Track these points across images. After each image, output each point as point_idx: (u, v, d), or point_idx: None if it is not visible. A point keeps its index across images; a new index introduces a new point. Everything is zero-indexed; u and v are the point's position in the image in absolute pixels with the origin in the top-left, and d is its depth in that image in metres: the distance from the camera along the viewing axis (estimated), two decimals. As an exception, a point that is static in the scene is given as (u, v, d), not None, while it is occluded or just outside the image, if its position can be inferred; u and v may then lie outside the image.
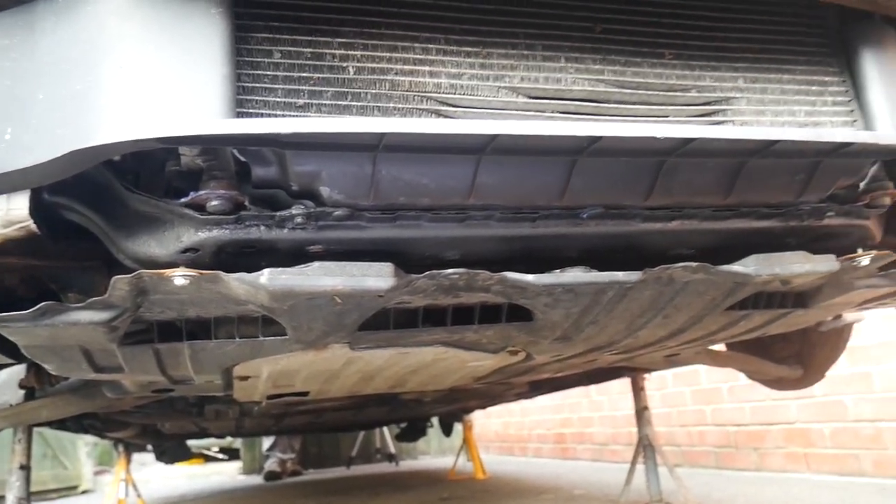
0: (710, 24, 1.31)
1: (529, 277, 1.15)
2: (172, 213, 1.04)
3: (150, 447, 5.50)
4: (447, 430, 6.39)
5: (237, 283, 1.04)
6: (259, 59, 1.06)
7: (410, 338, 1.36)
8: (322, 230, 1.07)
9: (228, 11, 1.03)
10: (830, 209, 1.29)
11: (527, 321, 1.34)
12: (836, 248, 1.37)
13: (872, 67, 1.35)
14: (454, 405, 4.06)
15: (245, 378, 1.69)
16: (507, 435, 7.96)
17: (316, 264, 1.05)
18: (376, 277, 1.06)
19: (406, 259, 1.15)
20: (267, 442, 7.01)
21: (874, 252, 1.34)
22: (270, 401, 2.25)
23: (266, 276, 1.03)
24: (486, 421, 8.30)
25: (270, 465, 6.83)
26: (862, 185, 1.32)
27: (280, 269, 1.04)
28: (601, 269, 1.21)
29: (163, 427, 3.74)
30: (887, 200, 1.32)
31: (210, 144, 0.97)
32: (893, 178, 1.36)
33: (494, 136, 0.96)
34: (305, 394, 2.11)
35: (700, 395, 4.86)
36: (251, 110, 1.03)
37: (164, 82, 0.96)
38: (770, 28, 1.34)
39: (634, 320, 1.44)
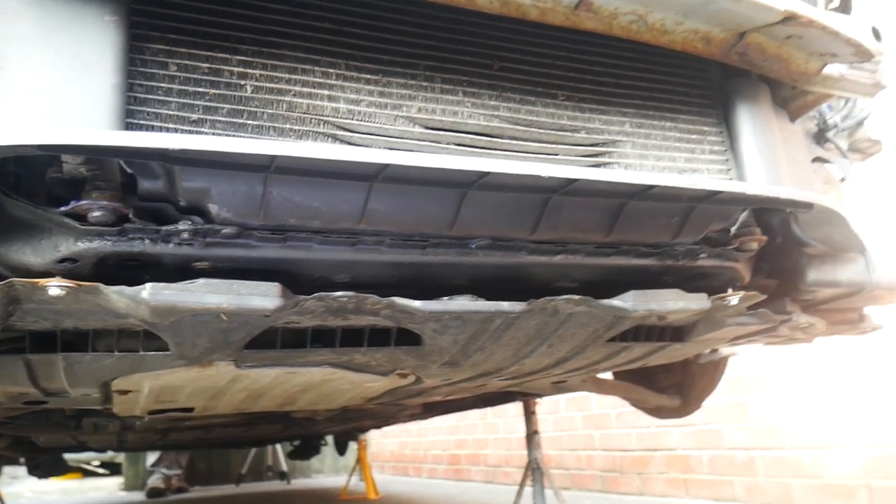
0: (602, 70, 1.38)
1: (417, 303, 1.17)
2: (51, 221, 1.00)
3: (22, 460, 5.18)
4: (342, 449, 6.32)
5: (117, 296, 1.01)
6: (153, 71, 1.05)
7: (298, 358, 1.35)
8: (209, 247, 1.06)
9: (124, 20, 1.02)
10: (703, 251, 1.37)
11: (415, 345, 1.36)
12: (708, 287, 1.46)
13: (747, 121, 1.45)
14: (348, 424, 4.02)
15: (125, 392, 1.63)
16: (402, 455, 7.94)
17: (201, 281, 1.03)
18: (262, 297, 1.06)
19: (295, 280, 1.16)
20: (152, 457, 6.73)
21: (742, 293, 1.44)
22: (153, 416, 2.18)
23: (148, 291, 1.00)
24: (383, 441, 8.25)
25: (154, 481, 6.55)
26: (732, 230, 1.41)
27: (163, 284, 1.02)
28: (489, 298, 1.24)
29: (37, 440, 3.53)
30: (755, 245, 1.41)
31: (94, 155, 0.95)
32: (761, 224, 1.46)
33: (386, 165, 0.98)
34: (190, 410, 2.05)
35: (590, 420, 5.00)
36: (142, 122, 1.01)
37: (50, 87, 0.93)
38: (657, 77, 1.43)
39: (521, 348, 1.49)
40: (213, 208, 1.01)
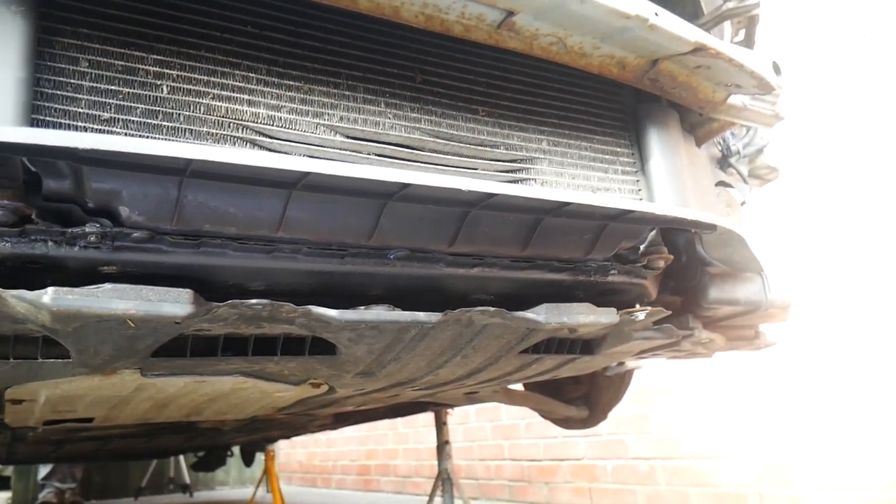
0: (522, 88, 1.41)
1: (333, 313, 1.16)
2: (-56, 221, 0.95)
3: None
4: (248, 460, 6.16)
5: (15, 300, 0.96)
6: (63, 66, 1.01)
7: (208, 366, 1.32)
8: (118, 251, 1.02)
9: (32, 11, 0.97)
10: (614, 268, 1.42)
11: (330, 355, 1.35)
12: (617, 302, 1.51)
13: (657, 144, 1.51)
14: (256, 435, 3.93)
15: (18, 402, 1.55)
16: (311, 466, 7.81)
17: (108, 286, 0.99)
18: (173, 304, 1.03)
19: (208, 286, 1.13)
20: (43, 470, 6.37)
21: (649, 308, 1.49)
22: (48, 427, 2.07)
23: (50, 296, 0.96)
24: (291, 451, 8.10)
25: (46, 495, 6.20)
26: (641, 248, 1.46)
27: (67, 288, 0.97)
28: (405, 308, 1.25)
29: (-84, 450, 3.29)
30: (662, 263, 1.47)
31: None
32: (667, 244, 1.53)
33: (307, 174, 0.97)
34: (89, 420, 1.96)
35: (499, 430, 5.06)
36: (48, 118, 0.97)
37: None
38: (574, 98, 1.47)
39: (435, 359, 1.50)
40: (124, 211, 0.97)
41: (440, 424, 3.45)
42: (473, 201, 1.13)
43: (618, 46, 1.31)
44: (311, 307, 1.14)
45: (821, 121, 3.49)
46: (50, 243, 0.99)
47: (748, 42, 1.84)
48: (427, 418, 4.43)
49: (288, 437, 4.89)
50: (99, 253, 1.01)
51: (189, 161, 0.90)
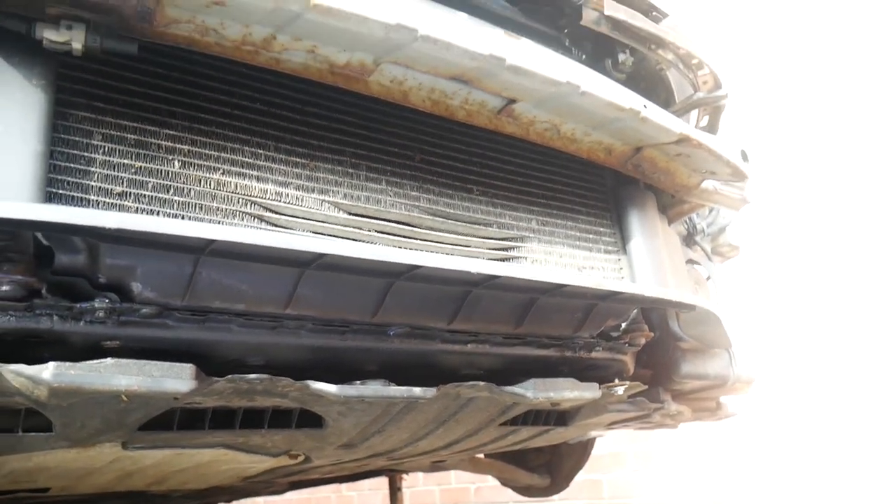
0: (513, 169, 1.47)
1: (332, 388, 1.16)
2: (-51, 295, 0.92)
3: None
4: (184, 524, 5.89)
5: (13, 375, 0.94)
6: (78, 139, 1.00)
7: (194, 439, 1.29)
8: (123, 326, 1.01)
9: (51, 85, 0.97)
10: (599, 344, 1.46)
11: (317, 428, 1.34)
12: (598, 377, 1.55)
13: (637, 225, 1.58)
14: (203, 500, 3.79)
15: (-22, 472, 1.47)
16: (247, 529, 7.52)
17: (110, 361, 0.97)
18: (176, 379, 1.01)
19: (207, 360, 1.11)
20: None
21: (628, 383, 1.53)
22: (-3, 495, 1.96)
23: (51, 371, 0.93)
24: (227, 513, 7.79)
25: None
26: (624, 325, 1.51)
27: (68, 363, 0.95)
28: (396, 381, 1.25)
29: None
30: (642, 340, 1.52)
31: (17, 229, 0.89)
32: (647, 321, 1.58)
33: (322, 255, 0.99)
34: (45, 490, 1.87)
35: (449, 494, 5.00)
36: (62, 191, 0.96)
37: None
38: (560, 180, 1.53)
39: (418, 431, 1.50)
40: (136, 287, 0.97)
41: (394, 490, 3.40)
42: (477, 281, 1.16)
43: (607, 134, 1.38)
44: (308, 382, 1.14)
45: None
46: (55, 318, 0.97)
47: (712, 128, 1.95)
48: (374, 481, 4.35)
49: (230, 501, 4.73)
50: (103, 328, 1.00)
51: (211, 241, 0.91)
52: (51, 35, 0.92)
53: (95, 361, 0.97)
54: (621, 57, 1.57)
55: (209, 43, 1.03)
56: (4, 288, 0.91)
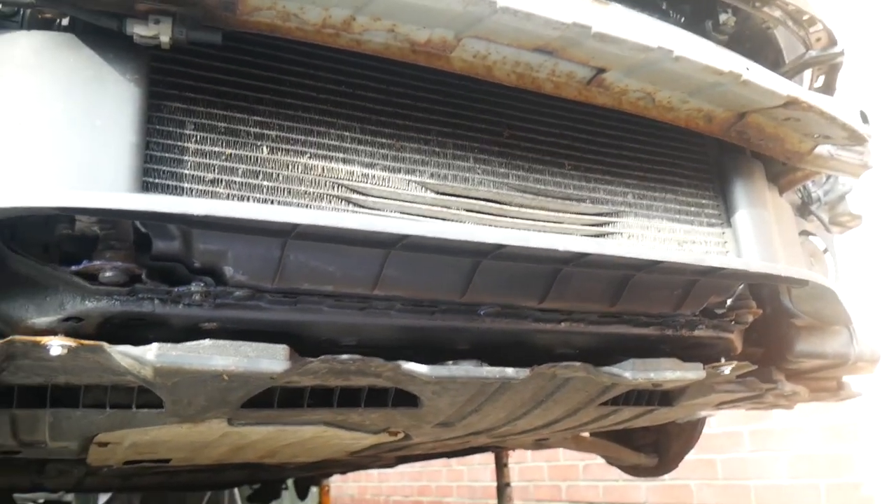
0: (606, 140, 1.41)
1: (423, 369, 1.16)
2: (58, 279, 0.98)
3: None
4: (302, 494, 6.16)
5: (121, 356, 0.99)
6: (171, 129, 1.04)
7: (294, 417, 1.33)
8: (219, 308, 1.04)
9: (144, 79, 1.01)
10: (702, 322, 1.39)
11: (412, 407, 1.35)
12: (702, 356, 1.48)
13: (742, 196, 1.49)
14: (316, 471, 3.94)
15: (105, 444, 1.58)
16: (363, 500, 7.79)
17: (208, 342, 1.01)
18: (271, 360, 1.04)
19: (301, 341, 1.14)
20: (102, 498, 6.48)
21: (735, 363, 1.46)
22: (126, 465, 2.11)
23: (154, 352, 0.98)
24: (343, 485, 8.09)
25: (105, 523, 6.30)
26: (729, 302, 1.43)
27: (170, 344, 0.99)
28: (489, 361, 1.24)
29: (-9, 479, 3.38)
30: (750, 318, 1.44)
31: (115, 217, 0.93)
32: (755, 297, 1.49)
33: (406, 236, 0.98)
34: (167, 461, 1.99)
35: (557, 470, 4.98)
36: (158, 181, 1.00)
37: (68, 146, 0.92)
38: (658, 150, 1.46)
39: (515, 410, 1.48)
40: (228, 271, 1.00)
41: (500, 466, 3.41)
42: (567, 259, 1.13)
43: (706, 100, 1.30)
44: (400, 363, 1.14)
45: None
46: (157, 301, 1.01)
47: (827, 88, 1.81)
48: (482, 456, 4.39)
49: (345, 472, 4.89)
50: (201, 310, 1.04)
51: (295, 225, 0.92)
52: (140, 30, 0.95)
53: (194, 343, 1.01)
54: (722, 17, 1.48)
55: (290, 28, 1.04)
56: (108, 274, 0.96)
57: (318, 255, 1.02)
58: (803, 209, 1.89)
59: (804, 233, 1.80)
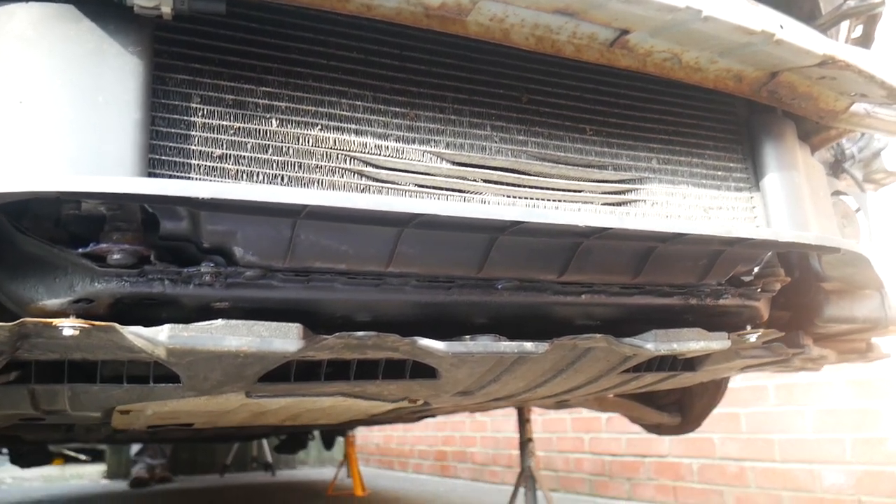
0: (629, 103, 1.35)
1: (440, 345, 1.13)
2: (67, 261, 0.96)
3: (4, 450, 5.10)
4: (329, 444, 6.29)
5: (133, 336, 0.97)
6: (177, 103, 1.00)
7: (311, 389, 1.32)
8: (230, 288, 1.02)
9: (148, 50, 0.97)
10: (728, 291, 1.35)
11: (431, 378, 1.33)
12: (727, 324, 1.44)
13: (772, 158, 1.43)
14: (340, 427, 4.01)
15: (126, 412, 1.59)
16: (388, 449, 7.93)
17: (220, 322, 0.99)
18: (284, 339, 1.02)
19: (315, 318, 1.12)
20: (135, 446, 6.66)
21: (761, 331, 1.42)
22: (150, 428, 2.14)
23: (166, 333, 0.96)
24: (368, 434, 8.23)
25: (138, 470, 6.49)
26: (756, 269, 1.39)
27: (181, 325, 0.98)
28: (508, 334, 1.21)
29: (24, 435, 3.47)
30: (777, 286, 1.39)
31: (119, 201, 0.91)
32: (783, 261, 1.44)
33: (418, 215, 0.95)
34: (190, 425, 2.01)
35: (580, 423, 5.00)
36: (164, 157, 0.97)
37: (70, 125, 0.89)
38: (683, 111, 1.40)
39: (535, 380, 1.46)
40: (238, 251, 0.97)
41: (523, 421, 3.41)
42: (587, 233, 1.09)
43: (737, 60, 1.23)
44: (416, 339, 1.12)
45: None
46: (166, 282, 0.99)
47: (866, 40, 1.72)
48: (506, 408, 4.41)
49: (369, 425, 4.97)
50: (212, 290, 1.02)
51: (304, 206, 0.89)
52: (140, 0, 0.91)
53: (206, 323, 0.99)
54: (755, -32, 1.39)
55: (298, -7, 0.99)
56: (116, 256, 0.94)
57: (329, 235, 0.99)
58: (836, 167, 1.82)
59: (836, 193, 1.74)
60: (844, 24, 1.68)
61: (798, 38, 1.17)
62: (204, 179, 0.97)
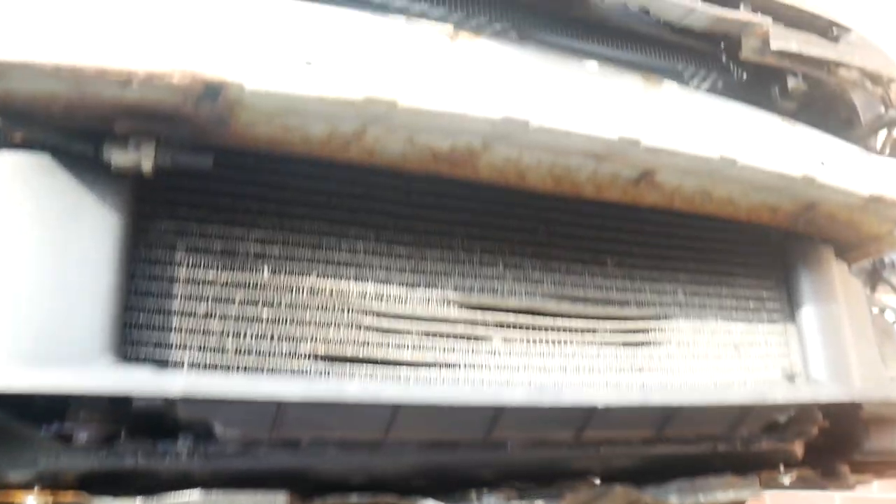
0: (655, 230, 1.25)
1: (440, 510, 1.03)
2: (31, 437, 0.87)
3: None
4: None
5: (101, 511, 0.88)
6: (160, 255, 0.92)
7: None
8: (211, 459, 0.93)
9: (128, 202, 0.89)
10: (760, 438, 1.24)
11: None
12: (759, 466, 1.32)
13: (808, 285, 1.32)
14: None
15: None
16: None
17: (196, 496, 0.90)
18: (269, 510, 0.92)
19: (305, 481, 1.02)
20: None
21: (796, 472, 1.31)
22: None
23: (136, 511, 0.87)
24: None
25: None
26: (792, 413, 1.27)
27: (156, 498, 0.89)
28: (519, 481, 1.11)
29: None
30: (815, 430, 1.28)
31: (68, 400, 0.82)
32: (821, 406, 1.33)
33: (399, 407, 0.86)
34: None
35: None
36: (142, 320, 0.88)
37: (32, 303, 0.80)
38: (713, 237, 1.30)
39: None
40: (218, 427, 0.88)
41: None
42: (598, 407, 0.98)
43: (773, 195, 1.14)
44: (417, 501, 1.02)
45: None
46: (139, 456, 0.90)
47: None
48: None
49: None
50: (190, 462, 0.92)
51: (279, 404, 0.80)
52: (118, 157, 0.83)
53: (184, 495, 0.90)
54: (791, 83, 1.29)
55: (293, 141, 0.91)
56: (82, 435, 0.85)
57: (318, 409, 0.90)
58: (873, 276, 1.71)
59: (875, 306, 1.62)
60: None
61: (841, 180, 1.07)
62: (183, 346, 0.88)
